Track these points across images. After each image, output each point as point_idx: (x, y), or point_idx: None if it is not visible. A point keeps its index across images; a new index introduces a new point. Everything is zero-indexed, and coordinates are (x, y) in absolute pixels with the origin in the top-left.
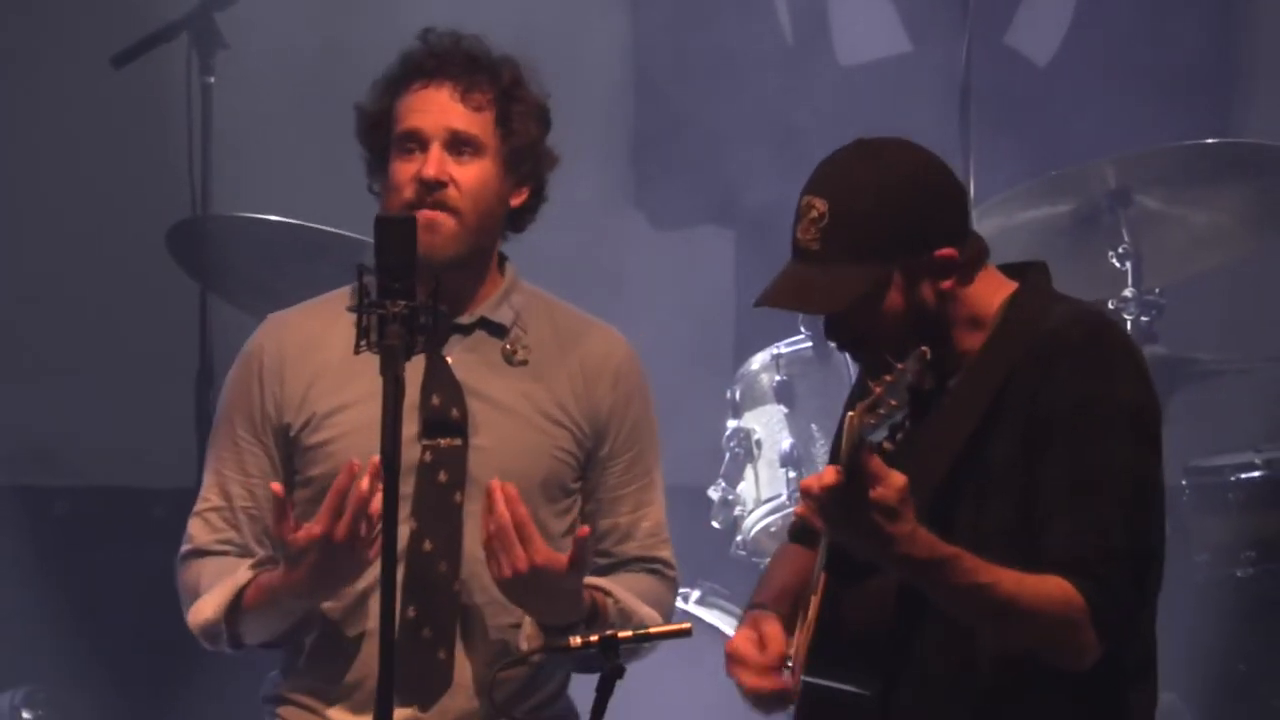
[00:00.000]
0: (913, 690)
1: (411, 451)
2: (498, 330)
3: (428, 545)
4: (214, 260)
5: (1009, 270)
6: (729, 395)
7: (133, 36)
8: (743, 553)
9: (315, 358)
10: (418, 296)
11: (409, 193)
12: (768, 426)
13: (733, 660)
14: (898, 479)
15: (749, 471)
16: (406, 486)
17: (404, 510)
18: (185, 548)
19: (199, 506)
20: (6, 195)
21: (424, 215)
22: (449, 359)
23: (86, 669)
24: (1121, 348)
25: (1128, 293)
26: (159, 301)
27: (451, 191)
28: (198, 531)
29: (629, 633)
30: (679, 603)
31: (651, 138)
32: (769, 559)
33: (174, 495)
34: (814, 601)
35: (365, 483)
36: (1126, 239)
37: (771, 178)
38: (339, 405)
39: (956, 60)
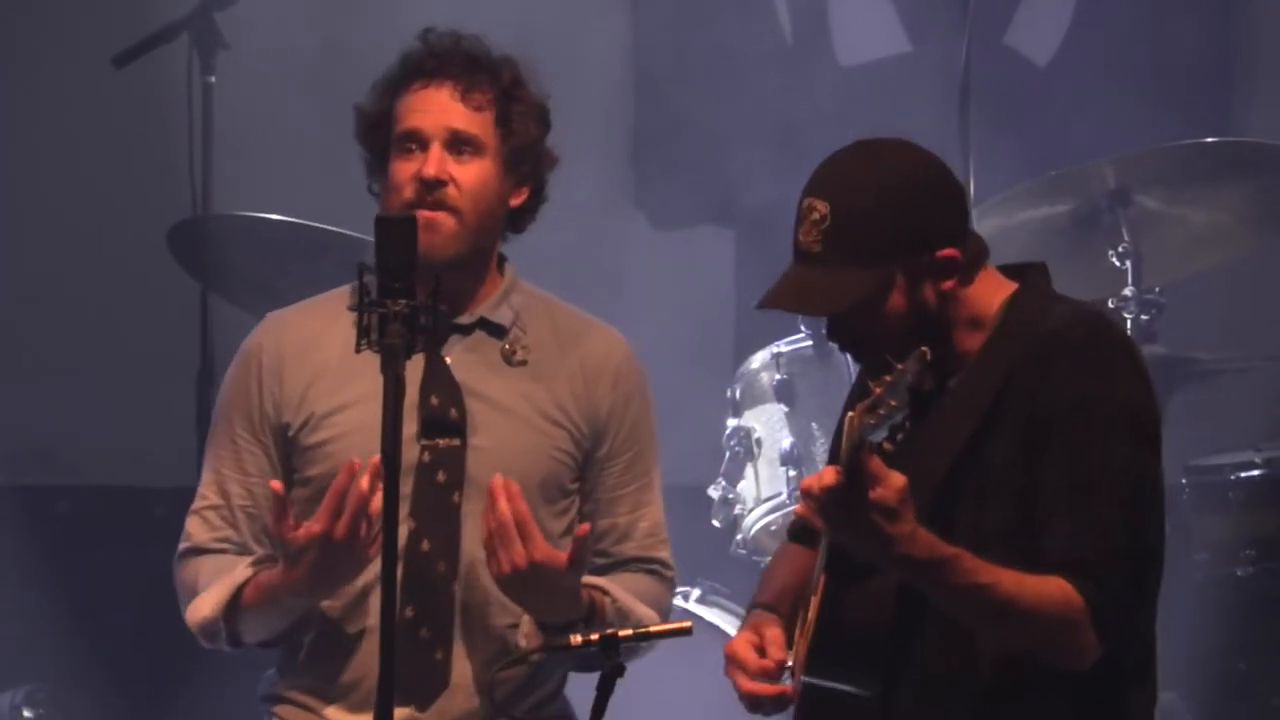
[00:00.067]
0: (912, 691)
1: (410, 451)
2: (497, 330)
3: (426, 545)
4: (215, 260)
5: (1008, 271)
6: (729, 394)
7: (133, 36)
8: (743, 551)
9: (314, 357)
10: (418, 296)
11: (409, 192)
12: (768, 425)
13: (732, 663)
14: (897, 479)
15: (749, 470)
16: (405, 486)
17: (402, 510)
18: (183, 546)
19: (197, 505)
20: (6, 195)
21: (424, 215)
22: (448, 359)
23: (87, 669)
24: (1121, 348)
25: (1127, 292)
26: (160, 301)
27: (451, 191)
28: (196, 530)
29: (630, 631)
30: (679, 601)
31: (651, 138)
32: (769, 558)
33: (175, 495)
34: (814, 602)
35: (365, 482)
36: (1126, 238)
37: (771, 178)
38: (338, 405)
39: (956, 60)
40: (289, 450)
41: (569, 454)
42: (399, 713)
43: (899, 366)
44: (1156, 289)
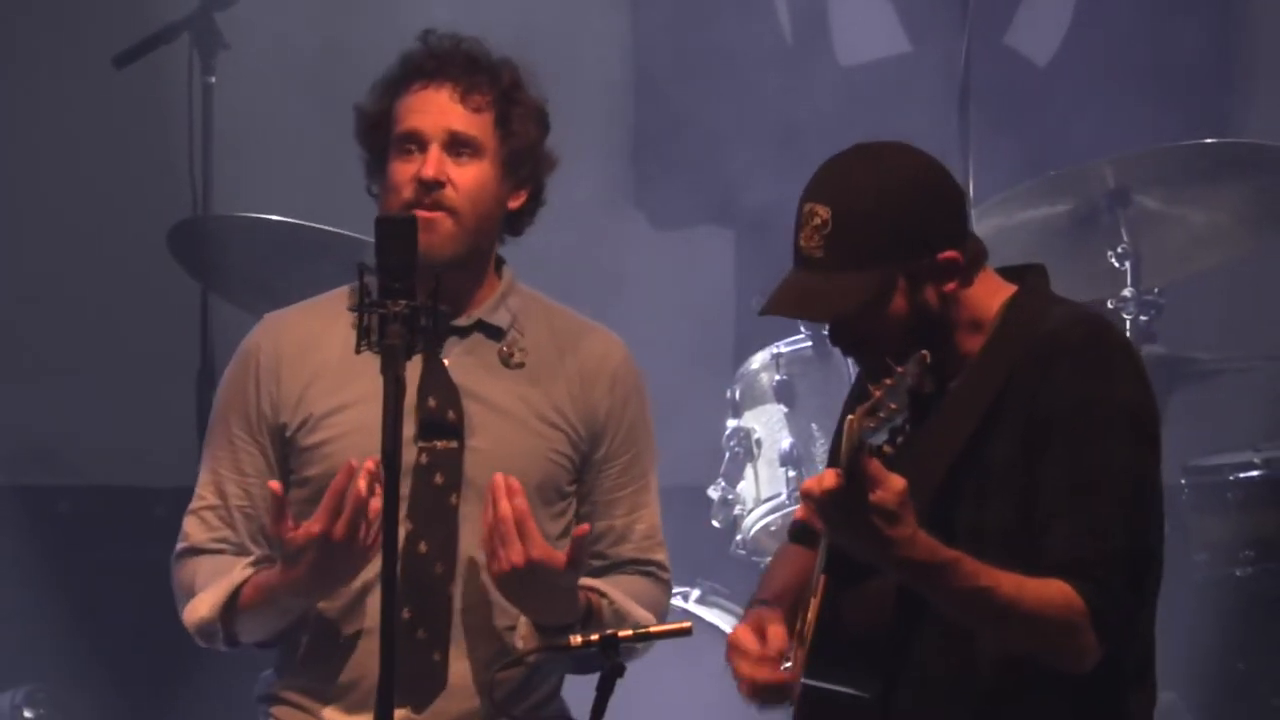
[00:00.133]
0: (912, 692)
1: (408, 453)
2: (495, 333)
3: (423, 547)
4: (215, 260)
5: (1006, 273)
6: (729, 394)
7: (134, 37)
8: (742, 552)
9: (313, 358)
10: (418, 297)
11: (407, 193)
12: (768, 426)
13: (733, 650)
14: (897, 482)
15: (749, 471)
16: (403, 488)
17: (400, 512)
18: (180, 545)
19: (194, 505)
20: (6, 195)
21: (421, 214)
22: (446, 361)
23: (87, 669)
24: (1120, 349)
25: (1126, 292)
26: (160, 301)
27: (449, 192)
28: (193, 530)
29: (630, 631)
30: (679, 602)
31: (651, 138)
32: (769, 558)
33: (175, 495)
34: (813, 604)
35: (363, 483)
36: (1125, 239)
37: (771, 178)
38: (337, 406)
39: (956, 60)
40: (286, 451)
41: (566, 456)
42: (395, 714)
43: (899, 370)
44: (1156, 289)
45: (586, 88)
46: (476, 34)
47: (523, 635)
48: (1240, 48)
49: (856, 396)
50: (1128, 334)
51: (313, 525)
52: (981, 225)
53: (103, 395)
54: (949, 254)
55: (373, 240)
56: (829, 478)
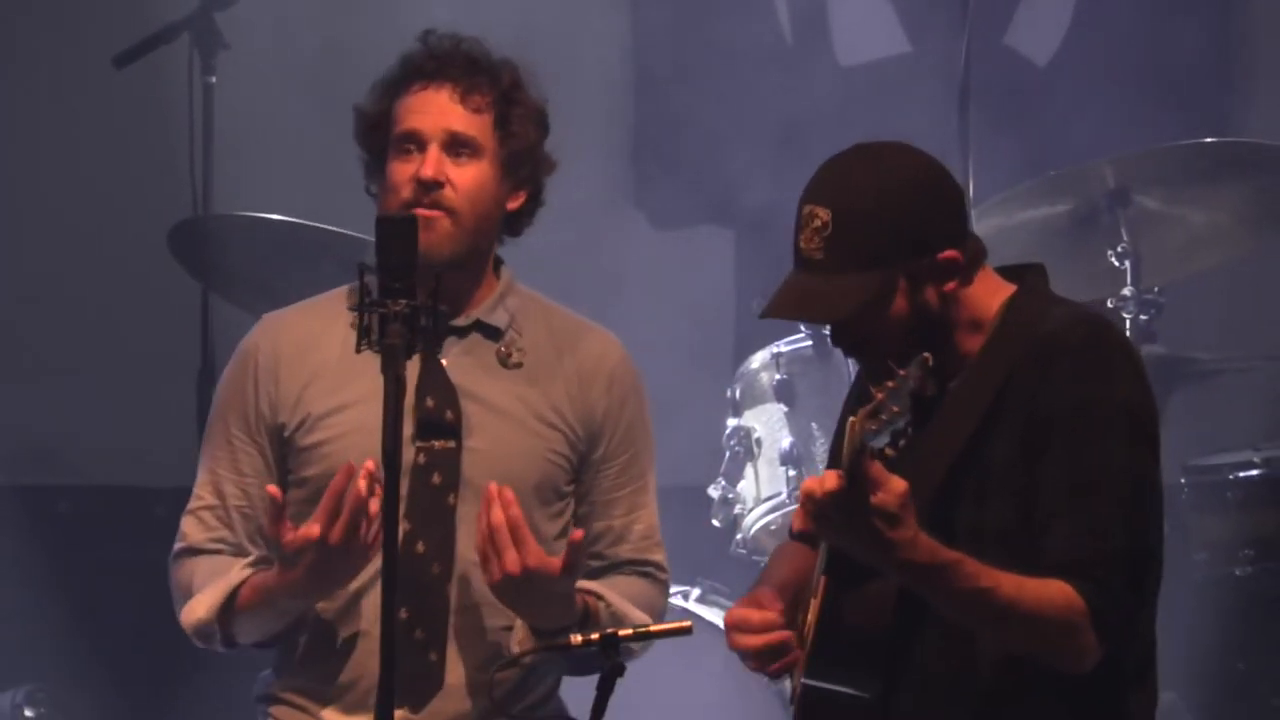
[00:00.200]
0: (912, 693)
1: (406, 453)
2: (493, 333)
3: (421, 547)
4: (215, 260)
5: (1006, 273)
6: (729, 394)
7: (134, 37)
8: (743, 551)
9: (312, 358)
10: (418, 296)
11: (406, 193)
12: (768, 425)
13: (733, 628)
14: (898, 484)
15: (749, 470)
16: (401, 488)
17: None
18: (178, 546)
19: (192, 505)
20: (6, 195)
21: (420, 214)
22: (444, 361)
23: (87, 669)
24: (1119, 349)
25: (1126, 292)
26: (160, 301)
27: (448, 192)
28: (191, 530)
29: (630, 630)
30: (679, 601)
31: (651, 138)
32: (769, 557)
33: (175, 495)
34: (814, 605)
35: (362, 484)
36: (1125, 238)
37: (771, 178)
38: (336, 406)
39: (956, 60)
40: (285, 451)
41: (564, 456)
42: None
43: (901, 372)
44: (1155, 289)
45: (586, 88)
46: (476, 34)
47: (519, 638)
48: (1240, 48)
49: (857, 396)
50: (1128, 334)
51: (311, 527)
52: (981, 225)
53: (103, 395)
54: (949, 254)
55: (373, 240)
56: (830, 480)
